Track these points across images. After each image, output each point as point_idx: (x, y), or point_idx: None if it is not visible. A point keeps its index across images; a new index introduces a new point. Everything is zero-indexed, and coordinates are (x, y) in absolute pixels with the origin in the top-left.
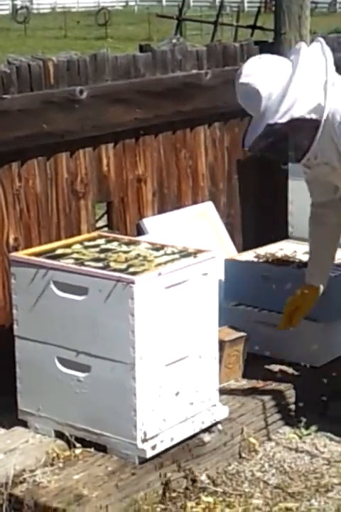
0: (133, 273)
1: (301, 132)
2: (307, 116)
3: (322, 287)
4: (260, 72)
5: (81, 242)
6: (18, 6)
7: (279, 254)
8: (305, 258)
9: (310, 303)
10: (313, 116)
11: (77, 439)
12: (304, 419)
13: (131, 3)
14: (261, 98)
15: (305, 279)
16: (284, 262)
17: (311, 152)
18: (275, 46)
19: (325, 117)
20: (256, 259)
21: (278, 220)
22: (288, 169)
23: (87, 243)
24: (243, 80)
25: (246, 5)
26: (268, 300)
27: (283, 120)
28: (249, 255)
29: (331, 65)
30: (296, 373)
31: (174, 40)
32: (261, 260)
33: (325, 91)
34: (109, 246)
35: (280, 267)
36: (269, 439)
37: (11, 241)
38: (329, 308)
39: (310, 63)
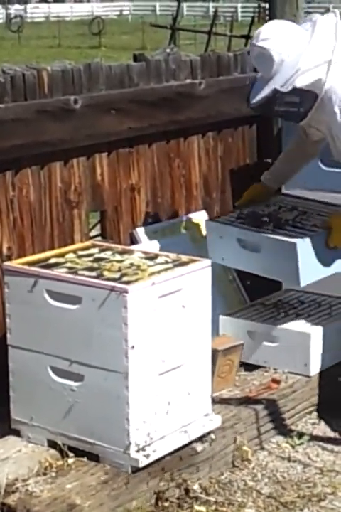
0: (127, 282)
1: (300, 100)
2: (307, 89)
3: (271, 190)
4: (276, 39)
5: (74, 251)
6: (12, 15)
7: (260, 213)
8: (288, 216)
9: (260, 196)
10: (312, 89)
11: (70, 449)
12: (297, 429)
13: (125, 13)
14: (273, 63)
15: (262, 177)
16: (262, 222)
17: (307, 119)
18: None
19: (323, 93)
20: (237, 220)
21: None
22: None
23: (80, 252)
24: (259, 42)
25: (239, 15)
26: (244, 262)
27: (287, 89)
28: (234, 214)
29: (339, 45)
30: (289, 383)
31: (168, 50)
32: (239, 221)
33: (328, 69)
34: (102, 255)
35: (254, 233)
36: (262, 449)
37: (5, 250)
38: None
39: (322, 39)
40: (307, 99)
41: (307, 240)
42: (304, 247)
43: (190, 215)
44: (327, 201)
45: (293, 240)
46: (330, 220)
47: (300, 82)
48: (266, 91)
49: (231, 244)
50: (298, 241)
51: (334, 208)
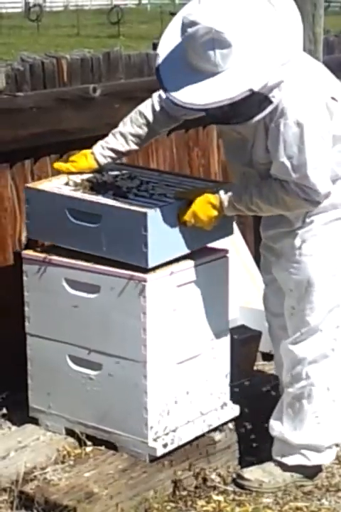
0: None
1: (251, 103)
2: (263, 91)
3: (95, 163)
4: (235, 18)
5: None
6: (31, 4)
7: (95, 180)
8: (130, 184)
9: (89, 169)
10: (265, 91)
11: (88, 437)
12: None
13: (144, 2)
14: (231, 53)
15: (94, 149)
16: (95, 190)
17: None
18: None
19: (278, 101)
20: (64, 187)
21: None
22: None
23: None
24: (207, 22)
25: None
26: (77, 240)
27: (261, 90)
28: (59, 182)
29: (300, 36)
30: None
31: None
32: (69, 189)
33: (290, 70)
34: None
35: (91, 201)
36: None
37: (23, 239)
38: None
39: (288, 26)
40: (260, 101)
41: (158, 210)
42: (155, 218)
43: None
44: (169, 171)
45: (142, 210)
46: (191, 193)
47: (271, 82)
48: (233, 92)
49: (59, 217)
50: (149, 211)
51: (184, 179)
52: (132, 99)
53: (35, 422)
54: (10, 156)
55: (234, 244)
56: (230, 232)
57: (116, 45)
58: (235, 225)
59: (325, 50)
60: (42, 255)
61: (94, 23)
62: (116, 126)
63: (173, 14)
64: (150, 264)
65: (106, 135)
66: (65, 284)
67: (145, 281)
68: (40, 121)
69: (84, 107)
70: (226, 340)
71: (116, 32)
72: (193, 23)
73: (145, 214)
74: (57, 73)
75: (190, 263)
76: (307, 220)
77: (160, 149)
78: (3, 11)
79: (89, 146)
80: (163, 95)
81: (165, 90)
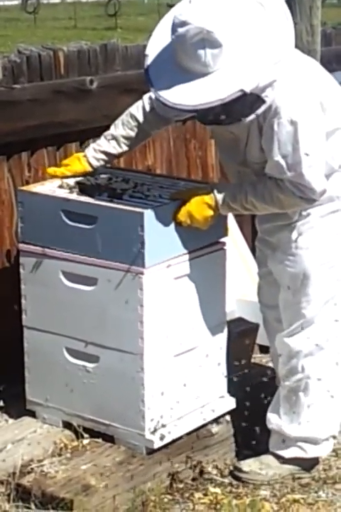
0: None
1: (244, 104)
2: (255, 92)
3: (88, 166)
4: (225, 19)
5: None
6: None
7: (89, 183)
8: (124, 186)
9: (83, 172)
10: (258, 92)
11: (85, 430)
12: None
13: None
14: (222, 53)
15: (87, 152)
16: (90, 192)
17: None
18: None
19: (271, 101)
20: (58, 189)
21: None
22: None
23: None
24: (198, 22)
25: None
26: (72, 242)
27: (252, 91)
28: (52, 185)
29: (291, 35)
30: None
31: None
32: (63, 191)
33: (282, 69)
34: None
35: (81, 203)
36: None
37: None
38: None
39: (277, 26)
40: (253, 101)
41: (155, 210)
42: (151, 218)
43: None
44: (160, 173)
45: (139, 210)
46: (185, 192)
47: (263, 82)
48: (224, 92)
49: (54, 219)
50: (146, 211)
51: (177, 182)
52: (129, 91)
53: (32, 414)
54: (7, 148)
55: (232, 237)
56: (225, 234)
57: (113, 37)
58: (233, 217)
59: (322, 42)
60: (39, 248)
61: (91, 15)
62: (113, 118)
63: (171, 6)
64: (147, 265)
65: (103, 127)
66: (61, 276)
67: (142, 273)
68: (37, 114)
69: (81, 99)
70: (223, 333)
71: (113, 24)
72: (184, 23)
73: (142, 214)
74: (54, 65)
75: (187, 255)
76: (304, 213)
77: (157, 141)
78: (0, 3)
79: (86, 138)
80: (153, 96)
81: (155, 91)
